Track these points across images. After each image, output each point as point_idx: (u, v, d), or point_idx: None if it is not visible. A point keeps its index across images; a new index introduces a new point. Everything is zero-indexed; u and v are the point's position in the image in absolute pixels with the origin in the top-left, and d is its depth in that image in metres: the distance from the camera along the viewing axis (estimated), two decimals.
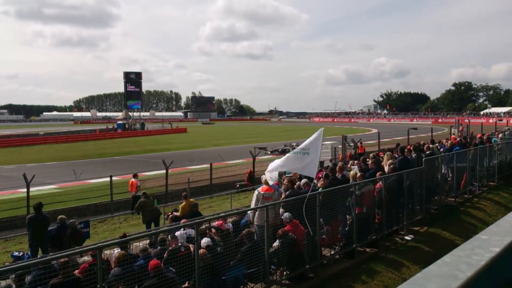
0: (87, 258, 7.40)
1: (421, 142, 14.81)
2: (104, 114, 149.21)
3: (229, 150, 35.81)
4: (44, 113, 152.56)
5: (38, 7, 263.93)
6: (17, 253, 9.86)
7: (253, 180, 20.03)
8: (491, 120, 61.43)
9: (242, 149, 31.59)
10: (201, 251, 6.40)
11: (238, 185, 20.12)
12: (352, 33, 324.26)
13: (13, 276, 6.04)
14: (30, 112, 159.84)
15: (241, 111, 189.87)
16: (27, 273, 6.22)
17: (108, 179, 17.03)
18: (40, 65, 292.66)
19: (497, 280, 1.63)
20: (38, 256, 9.06)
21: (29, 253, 9.87)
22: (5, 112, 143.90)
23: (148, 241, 8.28)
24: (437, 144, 15.69)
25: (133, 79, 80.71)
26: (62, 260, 5.71)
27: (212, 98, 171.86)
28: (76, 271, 6.15)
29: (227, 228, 8.48)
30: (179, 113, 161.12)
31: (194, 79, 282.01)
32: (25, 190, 14.64)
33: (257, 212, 8.02)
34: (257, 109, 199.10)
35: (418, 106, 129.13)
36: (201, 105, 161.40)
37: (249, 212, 8.86)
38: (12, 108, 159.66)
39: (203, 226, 8.16)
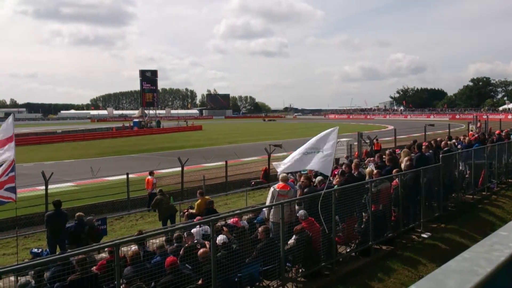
0: (104, 254, 7.52)
1: (438, 139, 14.59)
2: (120, 112, 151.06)
3: (244, 148, 35.88)
4: (62, 112, 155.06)
5: (55, 6, 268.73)
6: (36, 249, 10.07)
7: (268, 177, 20.03)
8: (510, 116, 60.18)
9: (257, 146, 31.62)
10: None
11: (253, 183, 20.16)
12: (367, 29, 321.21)
13: (32, 272, 6.16)
14: (48, 110, 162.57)
15: (256, 109, 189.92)
16: (46, 270, 6.34)
17: (125, 176, 17.27)
18: (58, 64, 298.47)
19: None
20: (57, 253, 9.23)
21: (48, 249, 10.05)
22: (23, 111, 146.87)
23: (164, 238, 8.38)
24: (454, 141, 15.43)
25: (149, 77, 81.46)
26: (80, 256, 5.80)
27: (227, 95, 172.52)
28: (94, 267, 6.24)
29: (242, 225, 8.50)
30: (195, 111, 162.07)
31: (209, 77, 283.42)
32: (43, 187, 14.92)
33: (272, 209, 8.01)
34: (272, 106, 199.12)
35: (435, 102, 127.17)
36: (216, 102, 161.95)
37: (264, 209, 8.87)
38: (31, 107, 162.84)
39: (219, 224, 8.21)
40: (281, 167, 8.97)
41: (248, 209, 10.99)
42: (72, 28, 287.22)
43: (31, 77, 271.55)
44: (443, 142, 13.81)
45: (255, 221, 9.02)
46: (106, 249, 6.82)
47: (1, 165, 8.95)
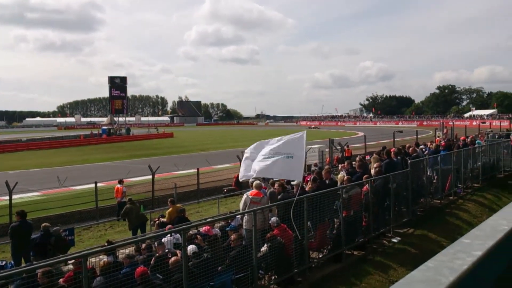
0: (72, 266, 7.27)
1: (407, 145, 14.99)
2: (88, 119, 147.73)
3: (216, 155, 35.72)
4: (27, 119, 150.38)
5: (20, 11, 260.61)
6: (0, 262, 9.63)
7: (241, 184, 19.91)
8: (474, 123, 62.54)
9: (229, 153, 31.53)
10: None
11: (225, 190, 20.02)
12: (337, 38, 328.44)
13: None
14: (12, 118, 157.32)
15: (228, 116, 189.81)
16: (10, 283, 6.07)
17: (93, 185, 16.79)
18: (23, 70, 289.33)
19: (480, 283, 1.65)
20: (22, 265, 8.87)
21: (12, 262, 9.66)
22: None
23: (134, 248, 8.19)
24: (422, 147, 15.88)
25: (118, 83, 79.88)
26: (46, 268, 5.59)
27: (199, 102, 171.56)
28: (61, 279, 6.03)
29: (214, 233, 8.42)
30: (166, 118, 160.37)
31: (180, 84, 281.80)
32: (7, 197, 14.35)
33: (245, 217, 7.98)
34: (244, 113, 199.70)
35: (403, 109, 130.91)
36: (188, 109, 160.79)
37: (238, 216, 8.82)
38: None
39: (191, 232, 8.10)
40: (248, 175, 8.90)
41: (221, 217, 10.91)
42: (38, 34, 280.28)
43: None
44: (411, 148, 14.19)
45: (228, 228, 8.95)
46: (73, 260, 6.58)
47: None
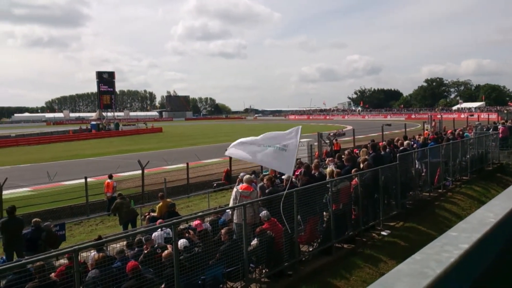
0: (63, 261, 7.27)
1: (395, 138, 15.12)
2: (77, 114, 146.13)
3: (205, 149, 35.64)
4: (15, 115, 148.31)
5: (7, 7, 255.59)
6: None
7: (230, 179, 19.98)
8: (462, 115, 63.11)
9: (218, 147, 31.49)
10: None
11: (215, 184, 20.07)
12: (324, 31, 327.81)
13: None
14: (1, 113, 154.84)
15: (217, 110, 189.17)
16: (2, 278, 6.07)
17: (83, 180, 16.71)
18: (11, 66, 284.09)
19: (466, 276, 1.67)
20: (14, 260, 8.84)
21: (4, 257, 9.63)
22: None
23: (125, 243, 8.20)
24: (410, 140, 16.04)
25: (106, 78, 79.09)
26: (38, 263, 5.60)
27: (187, 97, 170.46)
28: (53, 274, 6.04)
29: (205, 228, 8.45)
30: (154, 113, 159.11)
31: (168, 78, 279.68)
32: None
33: (236, 211, 8.00)
34: (232, 107, 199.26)
35: (392, 103, 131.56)
36: (176, 104, 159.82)
37: (227, 210, 8.87)
38: None
39: (181, 227, 8.13)
40: (231, 150, 8.84)
41: (211, 211, 10.95)
42: (25, 30, 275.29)
43: None
44: (399, 142, 14.32)
45: (218, 223, 8.99)
46: (65, 255, 6.59)
47: None
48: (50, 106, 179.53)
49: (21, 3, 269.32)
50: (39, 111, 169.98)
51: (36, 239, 9.55)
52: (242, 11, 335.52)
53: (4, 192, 14.26)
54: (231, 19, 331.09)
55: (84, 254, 6.85)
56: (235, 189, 8.81)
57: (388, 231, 10.24)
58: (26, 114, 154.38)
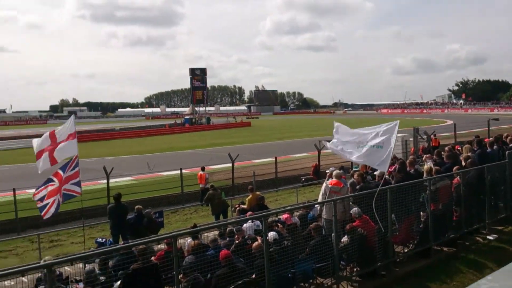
0: (161, 246, 7.77)
1: (504, 134, 13.66)
2: (172, 109, 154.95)
3: (294, 144, 35.68)
4: (119, 110, 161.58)
5: (110, 10, 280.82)
6: (100, 239, 10.62)
7: (319, 174, 19.77)
8: None
9: (306, 142, 31.34)
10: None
11: (303, 179, 20.00)
12: (420, 20, 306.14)
13: (98, 260, 6.50)
14: (106, 109, 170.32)
15: (305, 104, 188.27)
16: (110, 258, 6.67)
17: (178, 172, 17.78)
18: (114, 65, 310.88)
19: None
20: (120, 243, 9.66)
21: (111, 239, 10.59)
22: (84, 109, 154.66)
23: (217, 232, 8.53)
24: None
25: (198, 75, 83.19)
26: (141, 247, 6.05)
27: (275, 91, 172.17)
28: (153, 257, 6.47)
29: (294, 221, 8.45)
30: (243, 107, 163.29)
31: (256, 73, 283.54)
32: (105, 181, 15.71)
33: (325, 206, 7.87)
34: (320, 102, 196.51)
35: (499, 95, 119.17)
36: (264, 98, 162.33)
37: (316, 205, 8.75)
38: (91, 106, 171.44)
39: (270, 219, 8.20)
40: (331, 145, 8.93)
41: (300, 205, 10.91)
42: (126, 30, 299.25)
43: (90, 77, 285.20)
44: (509, 138, 12.93)
45: (307, 218, 8.92)
46: (164, 240, 7.05)
47: (68, 161, 9.47)
48: (149, 102, 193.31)
49: (122, 6, 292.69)
50: (139, 106, 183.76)
51: (139, 224, 10.34)
52: (331, 3, 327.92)
53: (110, 180, 15.68)
54: (319, 12, 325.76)
55: (181, 241, 7.25)
56: (324, 184, 8.68)
57: (495, 235, 9.30)
58: (128, 109, 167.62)
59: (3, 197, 16.28)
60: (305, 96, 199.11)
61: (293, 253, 6.64)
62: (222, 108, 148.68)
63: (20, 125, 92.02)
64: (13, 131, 66.41)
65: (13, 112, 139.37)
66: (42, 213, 9.22)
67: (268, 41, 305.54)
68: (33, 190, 16.96)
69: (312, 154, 24.25)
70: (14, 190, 14.54)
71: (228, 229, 8.19)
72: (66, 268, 7.15)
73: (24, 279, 6.42)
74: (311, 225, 7.44)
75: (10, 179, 20.97)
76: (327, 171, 10.00)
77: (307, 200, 13.11)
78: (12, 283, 6.23)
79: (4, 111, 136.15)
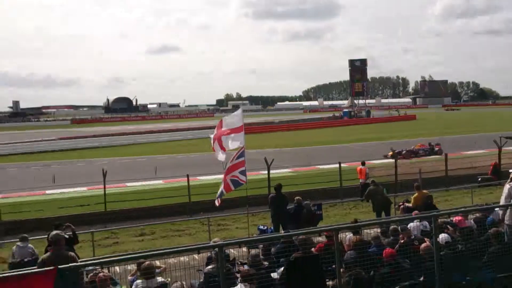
0: (320, 238, 7.81)
1: None
2: (330, 102, 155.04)
3: (466, 139, 32.13)
4: (278, 103, 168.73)
5: (271, 7, 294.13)
6: (262, 227, 11.30)
7: (499, 173, 17.45)
8: None
9: (483, 138, 27.99)
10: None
11: (480, 179, 17.92)
12: None
13: (262, 246, 6.88)
14: (266, 102, 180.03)
15: (481, 95, 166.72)
16: (272, 245, 6.99)
17: (337, 165, 17.73)
18: (274, 59, 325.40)
19: None
20: (281, 232, 10.03)
21: (272, 227, 11.13)
22: (247, 103, 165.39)
23: (379, 230, 8.17)
24: None
25: (358, 66, 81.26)
26: (302, 237, 6.16)
27: (445, 81, 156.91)
28: (313, 249, 6.53)
29: (468, 225, 7.58)
30: (407, 100, 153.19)
31: (422, 63, 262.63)
32: (266, 172, 16.60)
33: (508, 210, 7.00)
34: (501, 92, 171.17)
35: None
36: (432, 90, 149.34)
37: (497, 209, 7.68)
38: (252, 99, 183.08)
39: (441, 220, 7.50)
40: None
41: (476, 208, 9.70)
42: (285, 25, 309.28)
43: (251, 72, 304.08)
44: None
45: (486, 222, 7.89)
46: (324, 233, 7.07)
47: (238, 152, 10.24)
48: (307, 95, 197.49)
49: (282, 2, 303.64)
50: (297, 99, 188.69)
51: (298, 215, 10.62)
52: None
53: (270, 171, 16.47)
54: None
55: (340, 235, 7.15)
56: (508, 186, 7.61)
57: None
58: (287, 102, 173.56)
59: (178, 182, 18.48)
60: (481, 86, 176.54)
61: (467, 259, 6.00)
62: (383, 100, 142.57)
63: (191, 118, 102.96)
64: (185, 123, 74.11)
65: (185, 106, 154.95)
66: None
67: (437, 27, 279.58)
68: (204, 177, 19.17)
69: (490, 151, 21.85)
70: (188, 176, 16.38)
71: (391, 227, 7.78)
72: (231, 250, 7.75)
73: (197, 256, 7.20)
74: (490, 230, 6.60)
75: (187, 167, 23.66)
76: (510, 171, 8.72)
77: (485, 202, 11.64)
78: (187, 259, 7.00)
79: (178, 105, 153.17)
